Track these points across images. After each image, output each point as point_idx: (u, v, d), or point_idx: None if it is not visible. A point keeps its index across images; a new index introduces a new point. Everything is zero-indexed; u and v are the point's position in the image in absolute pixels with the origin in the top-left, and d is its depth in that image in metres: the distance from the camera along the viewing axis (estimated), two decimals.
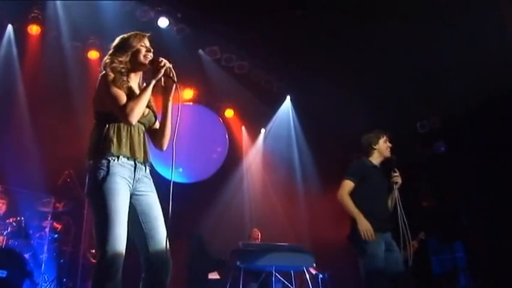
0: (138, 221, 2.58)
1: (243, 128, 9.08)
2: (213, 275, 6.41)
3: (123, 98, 2.55)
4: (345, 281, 7.00)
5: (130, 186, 2.57)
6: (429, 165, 8.20)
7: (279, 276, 5.80)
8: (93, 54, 7.29)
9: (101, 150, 2.53)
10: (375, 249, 3.80)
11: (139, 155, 2.64)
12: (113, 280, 2.34)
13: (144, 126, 2.76)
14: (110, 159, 2.51)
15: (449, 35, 6.35)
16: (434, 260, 8.50)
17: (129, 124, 2.57)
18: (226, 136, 7.90)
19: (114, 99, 2.54)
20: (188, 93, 8.16)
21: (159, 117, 2.87)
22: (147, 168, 2.73)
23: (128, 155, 2.57)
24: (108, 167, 2.49)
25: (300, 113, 8.54)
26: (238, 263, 5.46)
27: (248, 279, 5.98)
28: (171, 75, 2.74)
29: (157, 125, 2.87)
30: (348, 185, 4.01)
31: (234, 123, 8.87)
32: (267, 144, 8.96)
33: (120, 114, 2.53)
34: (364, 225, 3.78)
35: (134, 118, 2.54)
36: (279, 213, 8.05)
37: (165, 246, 2.56)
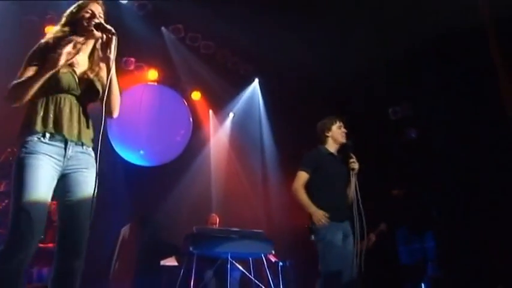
0: (63, 201, 2.38)
1: (211, 111, 8.79)
2: (170, 261, 6.14)
3: (26, 73, 2.33)
4: (308, 270, 6.78)
5: (60, 165, 2.34)
6: (400, 153, 8.01)
7: (235, 263, 5.55)
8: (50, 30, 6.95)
9: (26, 127, 2.34)
10: (332, 238, 3.67)
11: (71, 131, 2.39)
12: (9, 263, 2.14)
13: (78, 99, 2.46)
14: (35, 137, 2.30)
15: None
16: (403, 250, 8.33)
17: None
18: (190, 118, 7.60)
19: (21, 72, 2.34)
20: (152, 74, 7.85)
21: None
22: (85, 144, 2.46)
23: (53, 131, 2.34)
24: (31, 145, 2.28)
25: (268, 97, 8.28)
26: (191, 249, 5.24)
27: (203, 265, 5.73)
28: (104, 29, 2.45)
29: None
30: (302, 176, 3.89)
31: (201, 106, 8.59)
32: (234, 128, 8.70)
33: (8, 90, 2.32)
34: (317, 214, 3.67)
35: (11, 97, 2.32)
36: (243, 199, 7.81)
37: (81, 228, 2.34)
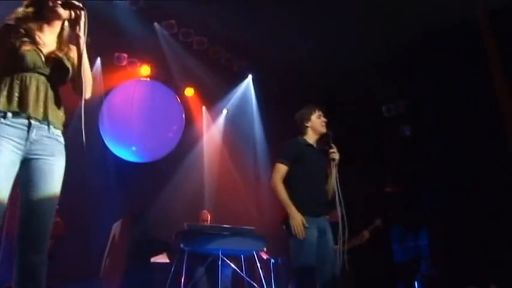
0: (24, 191, 2.21)
1: (204, 108, 8.71)
2: (161, 258, 6.09)
3: None
4: None
5: (22, 148, 2.18)
6: (394, 150, 7.97)
7: (227, 260, 5.49)
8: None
9: None
10: (306, 234, 3.49)
11: (37, 111, 2.24)
12: None
13: (47, 78, 2.31)
14: None
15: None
16: (398, 248, 8.32)
17: None
18: (183, 115, 7.52)
19: None
20: (145, 70, 7.78)
21: None
22: (52, 127, 2.30)
23: (18, 109, 2.18)
24: None
25: (261, 93, 8.21)
26: (181, 246, 5.19)
27: (194, 263, 5.68)
28: (72, 6, 2.32)
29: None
30: (281, 169, 3.69)
31: (194, 102, 8.51)
32: (228, 125, 8.63)
33: None
34: (296, 221, 3.48)
35: None
36: (236, 196, 7.74)
37: (42, 224, 2.19)
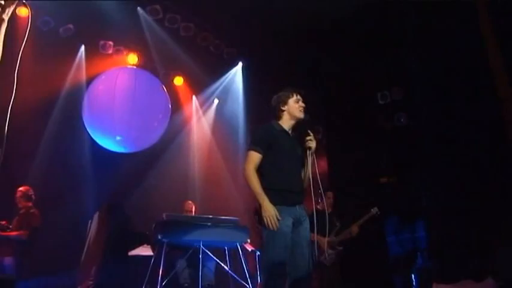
0: None
1: (194, 97, 8.48)
2: (144, 251, 5.87)
3: None
4: None
5: None
6: (389, 139, 7.71)
7: (208, 252, 5.27)
8: (22, 11, 6.68)
9: None
10: (280, 225, 3.24)
11: None
12: None
13: None
14: None
15: None
16: (394, 240, 8.07)
17: None
18: (169, 103, 7.30)
19: None
20: (132, 58, 7.55)
21: None
22: None
23: None
24: None
25: (251, 81, 7.95)
26: (159, 237, 4.98)
27: (175, 254, 5.47)
28: None
29: None
30: (253, 157, 3.41)
31: (184, 91, 8.28)
32: (217, 114, 8.40)
33: None
34: (268, 212, 3.22)
35: None
36: (224, 187, 7.53)
37: None
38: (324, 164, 7.73)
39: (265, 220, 3.23)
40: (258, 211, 3.36)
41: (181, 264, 5.45)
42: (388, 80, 7.67)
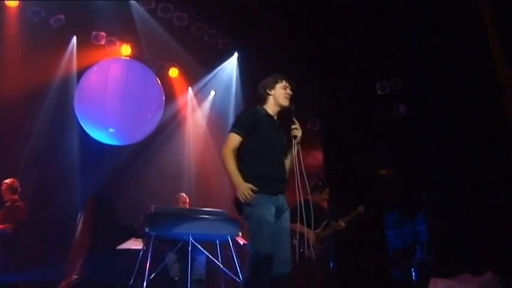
0: None
1: (190, 89, 8.34)
2: (133, 244, 5.74)
3: None
4: None
5: None
6: (388, 130, 7.53)
7: (198, 246, 5.14)
8: (11, 2, 6.61)
9: None
10: (263, 213, 3.12)
11: None
12: None
13: None
14: None
15: None
16: (393, 234, 7.92)
17: None
18: (163, 94, 7.17)
19: None
20: (126, 49, 7.42)
21: None
22: None
23: None
24: None
25: (247, 73, 7.80)
26: (147, 230, 4.85)
27: (164, 248, 5.35)
28: None
29: None
30: (233, 138, 3.28)
31: (179, 83, 8.14)
32: (212, 107, 8.26)
33: None
34: (242, 188, 3.09)
35: None
36: (219, 179, 7.37)
37: None
38: (320, 156, 7.59)
39: (241, 198, 3.10)
40: (236, 202, 3.25)
41: (170, 257, 5.33)
42: (387, 70, 7.49)
